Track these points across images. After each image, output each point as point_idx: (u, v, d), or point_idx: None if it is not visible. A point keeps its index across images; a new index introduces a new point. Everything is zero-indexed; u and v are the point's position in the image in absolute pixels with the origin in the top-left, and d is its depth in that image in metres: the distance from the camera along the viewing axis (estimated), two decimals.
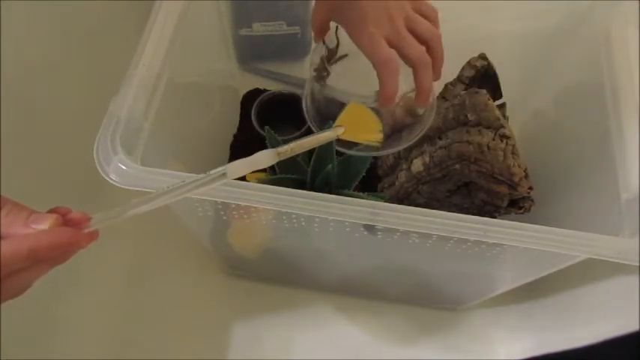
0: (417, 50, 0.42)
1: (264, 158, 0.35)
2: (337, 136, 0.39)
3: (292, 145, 0.37)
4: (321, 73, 0.53)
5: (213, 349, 0.64)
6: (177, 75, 0.44)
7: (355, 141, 0.42)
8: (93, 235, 0.32)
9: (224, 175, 0.34)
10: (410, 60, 0.42)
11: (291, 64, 0.79)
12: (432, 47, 0.43)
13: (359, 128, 0.41)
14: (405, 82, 0.53)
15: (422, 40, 0.43)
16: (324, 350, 0.64)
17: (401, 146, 0.52)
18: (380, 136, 0.41)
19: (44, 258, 0.30)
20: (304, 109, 0.55)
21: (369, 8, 0.41)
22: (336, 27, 0.49)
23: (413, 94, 0.51)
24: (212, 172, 0.34)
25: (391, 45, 0.42)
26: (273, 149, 0.36)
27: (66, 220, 0.32)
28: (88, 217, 0.32)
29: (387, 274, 0.61)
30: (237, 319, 0.66)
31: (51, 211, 0.32)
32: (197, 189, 0.34)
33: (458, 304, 0.66)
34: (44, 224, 0.30)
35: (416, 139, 0.51)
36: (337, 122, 0.40)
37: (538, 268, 0.47)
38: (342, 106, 0.48)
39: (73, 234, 0.31)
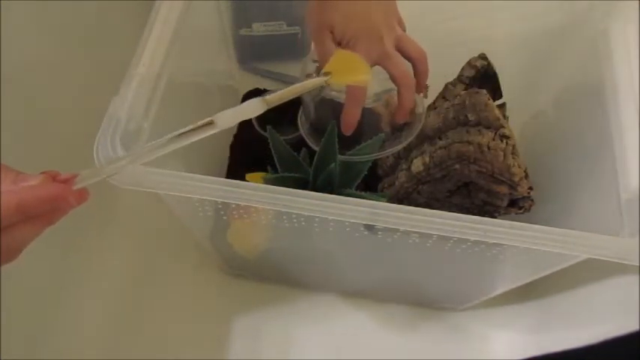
0: (401, 71, 0.46)
1: (253, 107, 0.35)
2: (325, 82, 0.38)
3: (280, 92, 0.36)
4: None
5: (213, 349, 0.64)
6: (177, 75, 0.44)
7: (344, 83, 0.42)
8: (83, 195, 0.33)
9: (212, 124, 0.34)
10: (394, 80, 0.46)
11: (291, 64, 0.79)
12: (417, 66, 0.48)
13: (347, 72, 0.40)
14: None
15: (409, 58, 0.47)
16: (324, 350, 0.64)
17: (401, 145, 0.52)
18: (368, 77, 0.40)
19: (33, 212, 0.30)
20: (299, 124, 0.56)
21: (362, 30, 0.44)
22: None
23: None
24: (200, 122, 0.34)
25: (378, 64, 0.45)
26: (261, 97, 0.35)
27: (55, 180, 0.32)
28: (75, 174, 0.33)
29: (387, 274, 0.61)
30: (237, 319, 0.66)
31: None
32: (185, 140, 0.34)
33: (458, 304, 0.66)
34: (32, 182, 0.31)
35: (412, 137, 0.52)
36: (325, 69, 0.40)
37: (538, 268, 0.47)
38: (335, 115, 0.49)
39: (60, 188, 0.31)
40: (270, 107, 0.35)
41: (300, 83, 0.37)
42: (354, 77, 0.41)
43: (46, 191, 0.31)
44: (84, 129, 0.41)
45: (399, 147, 0.53)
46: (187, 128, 0.34)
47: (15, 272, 0.53)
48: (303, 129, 0.55)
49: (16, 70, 0.50)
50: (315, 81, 0.38)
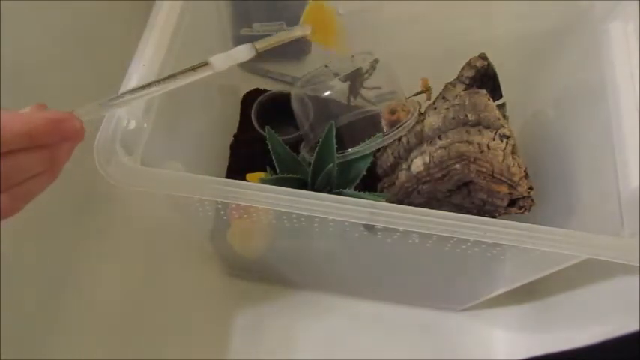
0: None
1: (243, 52, 0.38)
2: (306, 35, 0.41)
3: (268, 39, 0.39)
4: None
5: (213, 349, 0.64)
6: None
7: (322, 44, 0.44)
8: (80, 132, 0.32)
9: (207, 64, 0.36)
10: None
11: (291, 64, 0.79)
12: None
13: (326, 31, 0.43)
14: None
15: None
16: (324, 349, 0.64)
17: (388, 140, 0.53)
18: (344, 44, 0.43)
19: (40, 136, 0.30)
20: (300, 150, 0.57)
21: None
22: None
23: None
24: (195, 64, 0.35)
25: None
26: (250, 44, 0.38)
27: None
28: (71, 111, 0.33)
29: (387, 274, 0.61)
30: (237, 319, 0.66)
31: None
32: (181, 80, 0.35)
33: (458, 304, 0.66)
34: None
35: (401, 127, 0.53)
36: (303, 20, 0.42)
37: (538, 268, 0.47)
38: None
39: (65, 113, 0.31)
40: (258, 52, 0.38)
41: (282, 33, 0.40)
42: (331, 44, 0.43)
43: (52, 114, 0.30)
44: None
45: (387, 138, 0.53)
46: (184, 68, 0.35)
47: (15, 272, 0.53)
48: (304, 151, 0.57)
49: (16, 70, 0.50)
50: (297, 33, 0.41)
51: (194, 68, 0.35)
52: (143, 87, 0.35)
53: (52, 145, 0.31)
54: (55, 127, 0.30)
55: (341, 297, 0.68)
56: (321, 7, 0.43)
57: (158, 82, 0.35)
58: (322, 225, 0.43)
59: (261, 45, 0.38)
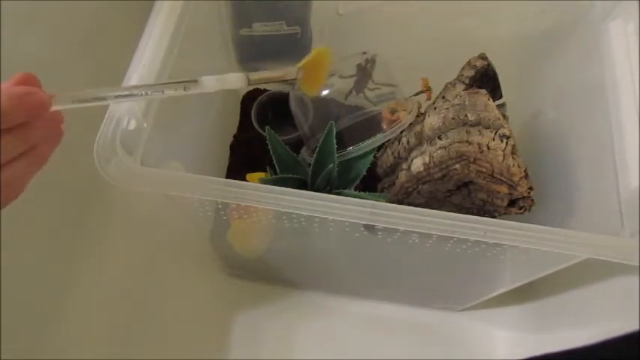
0: None
1: (234, 80, 0.38)
2: (297, 78, 0.42)
3: (262, 73, 0.39)
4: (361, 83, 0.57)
5: (212, 349, 0.64)
6: (178, 75, 0.44)
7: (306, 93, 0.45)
8: (47, 105, 0.31)
9: (196, 82, 0.36)
10: None
11: (291, 64, 0.78)
12: None
13: (315, 80, 0.44)
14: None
15: None
16: (324, 349, 0.64)
17: (385, 138, 0.54)
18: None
19: (7, 115, 0.28)
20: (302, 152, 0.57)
21: None
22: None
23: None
24: (185, 79, 0.36)
25: None
26: (244, 74, 0.38)
27: None
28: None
29: (387, 274, 0.61)
30: (237, 319, 0.66)
31: None
32: (167, 90, 0.35)
33: (458, 305, 0.66)
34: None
35: (401, 124, 0.54)
36: (302, 64, 0.42)
37: (538, 268, 0.47)
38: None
39: (29, 87, 0.30)
40: (250, 83, 0.38)
41: (280, 70, 0.41)
42: (313, 93, 0.45)
43: (14, 89, 0.29)
44: (84, 129, 0.41)
45: (387, 138, 0.54)
46: (172, 80, 0.35)
47: (15, 272, 0.53)
48: (306, 154, 0.57)
49: (16, 70, 0.50)
50: (291, 75, 0.42)
51: (184, 83, 0.36)
52: (127, 88, 0.35)
53: (27, 124, 0.29)
54: (18, 102, 0.29)
55: (341, 297, 0.68)
56: (326, 55, 0.43)
57: (144, 87, 0.35)
58: (322, 225, 0.43)
59: (255, 77, 0.38)
